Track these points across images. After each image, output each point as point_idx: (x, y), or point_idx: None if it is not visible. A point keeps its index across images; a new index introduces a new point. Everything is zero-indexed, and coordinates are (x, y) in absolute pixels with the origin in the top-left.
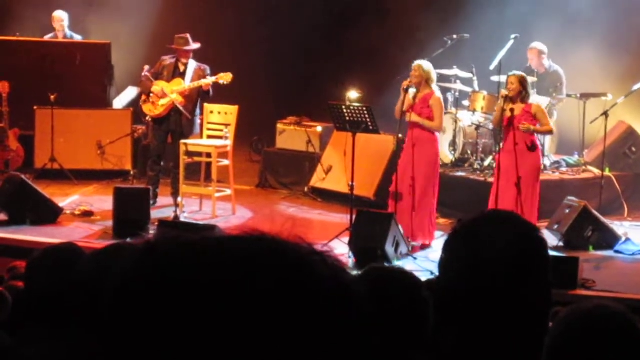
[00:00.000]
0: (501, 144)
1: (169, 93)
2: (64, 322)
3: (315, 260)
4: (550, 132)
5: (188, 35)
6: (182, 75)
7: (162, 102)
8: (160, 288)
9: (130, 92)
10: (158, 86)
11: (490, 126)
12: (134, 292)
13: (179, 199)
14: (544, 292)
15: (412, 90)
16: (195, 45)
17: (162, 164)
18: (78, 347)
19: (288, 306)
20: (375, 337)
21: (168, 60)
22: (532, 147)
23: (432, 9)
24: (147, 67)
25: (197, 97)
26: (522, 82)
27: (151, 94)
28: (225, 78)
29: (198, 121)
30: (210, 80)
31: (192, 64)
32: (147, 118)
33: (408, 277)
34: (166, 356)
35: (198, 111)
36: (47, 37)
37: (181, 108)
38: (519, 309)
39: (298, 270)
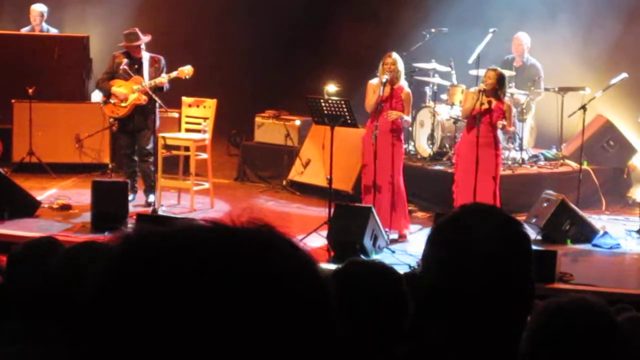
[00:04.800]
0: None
1: (130, 93)
2: (43, 318)
3: (284, 247)
4: (509, 132)
5: (137, 30)
6: (138, 71)
7: (124, 103)
8: (138, 286)
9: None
10: (118, 86)
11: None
12: (113, 291)
13: (151, 197)
14: (526, 287)
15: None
16: (146, 38)
17: (135, 158)
18: (56, 347)
19: (268, 295)
20: (341, 316)
21: (121, 57)
22: (496, 143)
23: (410, 3)
24: (125, 61)
25: (155, 89)
26: (499, 79)
27: (111, 96)
28: (187, 71)
29: (159, 113)
30: (164, 78)
31: (146, 57)
32: (110, 120)
33: (387, 271)
34: (148, 353)
35: (157, 104)
36: (24, 31)
37: (155, 96)
38: (501, 303)
39: (267, 256)
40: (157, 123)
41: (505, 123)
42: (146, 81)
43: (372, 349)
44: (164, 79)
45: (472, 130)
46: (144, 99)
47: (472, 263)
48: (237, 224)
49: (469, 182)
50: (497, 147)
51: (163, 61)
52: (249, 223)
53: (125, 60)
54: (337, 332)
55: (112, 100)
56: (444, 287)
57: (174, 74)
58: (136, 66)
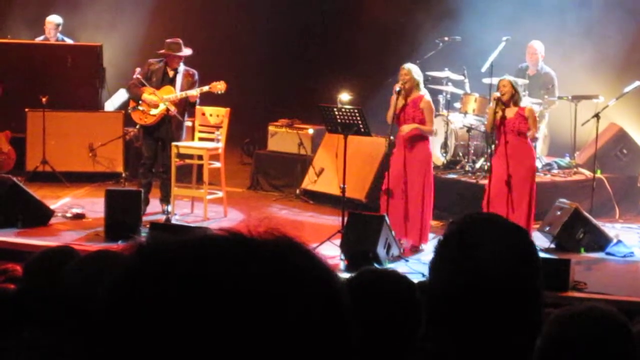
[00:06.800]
0: (493, 147)
1: (161, 102)
2: (58, 326)
3: (301, 259)
4: (534, 139)
5: (180, 41)
6: (172, 81)
7: (154, 111)
8: (152, 295)
9: (122, 95)
10: (148, 94)
11: (482, 128)
12: (126, 300)
13: (169, 207)
14: (533, 296)
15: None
16: (188, 51)
17: (153, 170)
18: (70, 355)
19: (283, 305)
20: (357, 328)
21: (156, 64)
22: (524, 152)
23: (424, 11)
24: (138, 70)
25: (186, 103)
26: (514, 85)
27: (141, 102)
28: (220, 87)
29: (185, 127)
30: (199, 91)
31: (181, 69)
32: (137, 127)
33: (401, 279)
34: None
35: (186, 117)
36: (38, 40)
37: (175, 113)
38: (508, 312)
39: (284, 267)
40: (184, 136)
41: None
42: (177, 92)
43: (385, 357)
44: (195, 92)
45: (500, 142)
46: (173, 109)
47: (477, 271)
48: (254, 233)
49: (497, 193)
50: (528, 156)
51: (196, 76)
52: (267, 233)
53: (138, 70)
54: (353, 344)
55: (140, 107)
56: (450, 295)
57: (205, 88)
58: (170, 76)
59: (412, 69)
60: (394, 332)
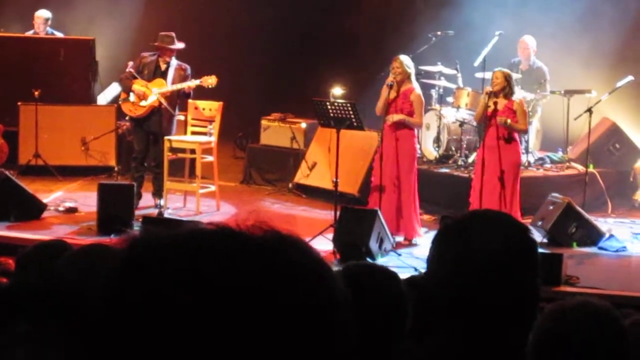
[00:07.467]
0: (482, 140)
1: (151, 94)
2: (50, 321)
3: (291, 252)
4: (524, 131)
5: (173, 34)
6: (163, 74)
7: (144, 103)
8: (146, 291)
9: (115, 88)
10: (139, 85)
11: (475, 123)
12: (119, 294)
13: (161, 201)
14: (530, 293)
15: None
16: (180, 45)
17: (145, 164)
18: (62, 350)
19: (273, 299)
20: (353, 323)
21: (149, 57)
22: (509, 140)
23: (416, 6)
24: (130, 63)
25: (177, 97)
26: (507, 78)
27: (132, 93)
28: (211, 82)
29: (176, 121)
30: (193, 83)
31: (173, 63)
32: (127, 118)
33: (386, 272)
34: (152, 356)
35: (177, 110)
36: (28, 34)
37: (166, 105)
38: (505, 309)
39: (274, 261)
40: (174, 129)
41: (508, 120)
42: (169, 85)
43: (370, 351)
44: (192, 83)
45: (487, 134)
46: (164, 101)
47: (476, 268)
48: (243, 227)
49: (484, 186)
50: (512, 151)
51: (189, 70)
52: (255, 227)
53: (130, 63)
54: (351, 340)
55: (131, 99)
56: (447, 290)
57: (196, 82)
58: (162, 69)
59: (404, 60)
60: (381, 326)
